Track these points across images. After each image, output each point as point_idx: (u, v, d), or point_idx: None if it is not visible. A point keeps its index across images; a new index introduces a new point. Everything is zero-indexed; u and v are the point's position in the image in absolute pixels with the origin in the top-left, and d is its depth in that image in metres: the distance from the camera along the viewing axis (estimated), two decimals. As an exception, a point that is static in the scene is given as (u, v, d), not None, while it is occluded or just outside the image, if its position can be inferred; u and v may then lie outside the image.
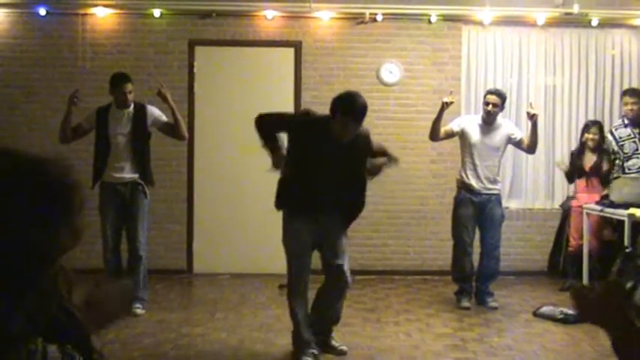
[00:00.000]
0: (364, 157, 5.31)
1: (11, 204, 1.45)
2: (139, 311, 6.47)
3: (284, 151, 5.23)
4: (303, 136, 5.16)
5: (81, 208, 1.58)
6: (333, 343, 5.49)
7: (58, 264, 1.59)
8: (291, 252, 5.29)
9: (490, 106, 6.92)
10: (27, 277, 1.47)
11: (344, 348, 5.47)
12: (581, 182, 7.69)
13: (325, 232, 5.27)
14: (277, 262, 8.32)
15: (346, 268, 5.31)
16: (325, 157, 5.10)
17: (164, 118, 6.64)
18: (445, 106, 6.92)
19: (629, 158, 7.63)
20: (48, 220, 1.48)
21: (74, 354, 1.63)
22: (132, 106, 6.51)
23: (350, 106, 5.07)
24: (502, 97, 7.03)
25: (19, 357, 1.49)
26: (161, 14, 8.24)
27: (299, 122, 5.32)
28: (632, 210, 6.77)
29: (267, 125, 5.25)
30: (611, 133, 7.77)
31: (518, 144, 7.15)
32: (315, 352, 5.28)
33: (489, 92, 7.08)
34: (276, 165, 5.25)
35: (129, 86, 6.46)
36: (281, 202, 5.29)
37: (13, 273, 1.44)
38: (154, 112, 6.62)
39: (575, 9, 8.11)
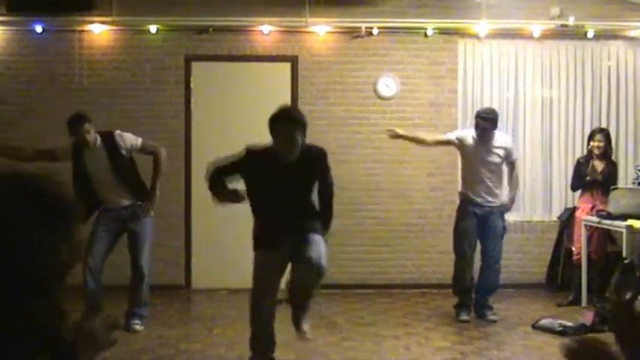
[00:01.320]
0: (317, 170, 5.16)
1: (10, 221, 1.45)
2: (138, 327, 6.45)
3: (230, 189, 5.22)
4: (254, 168, 5.10)
5: (78, 221, 1.57)
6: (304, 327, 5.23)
7: (63, 283, 1.58)
8: (256, 282, 5.18)
9: (479, 130, 6.90)
10: (34, 294, 1.47)
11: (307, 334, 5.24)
12: (585, 192, 7.66)
13: (295, 250, 5.09)
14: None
15: (316, 257, 5.01)
16: (280, 181, 5.01)
17: (139, 142, 6.45)
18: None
19: None
20: (47, 236, 1.48)
21: None
22: (98, 139, 6.31)
23: (279, 114, 5.04)
24: (493, 120, 6.92)
25: None
26: (157, 30, 8.26)
27: (245, 158, 5.19)
28: (630, 221, 6.77)
29: (216, 176, 5.25)
30: None
31: (508, 164, 7.13)
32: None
33: (480, 117, 6.92)
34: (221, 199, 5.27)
35: (85, 127, 6.20)
36: (255, 242, 5.23)
37: (21, 291, 1.44)
38: (126, 139, 6.40)
39: (571, 21, 8.15)
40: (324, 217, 5.26)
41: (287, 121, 5.00)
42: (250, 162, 5.14)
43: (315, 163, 5.13)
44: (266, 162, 5.07)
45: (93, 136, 6.28)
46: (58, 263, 1.52)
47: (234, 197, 5.20)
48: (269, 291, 5.18)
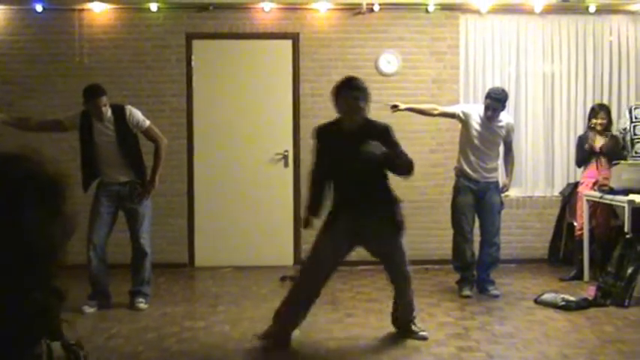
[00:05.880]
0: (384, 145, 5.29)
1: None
2: (143, 305, 6.50)
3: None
4: (324, 143, 5.40)
5: (66, 196, 1.54)
6: (414, 328, 5.64)
7: (57, 260, 1.57)
8: (318, 252, 5.40)
9: (490, 110, 6.87)
10: (28, 271, 1.47)
11: (424, 334, 5.61)
12: (591, 164, 7.63)
13: (370, 235, 5.43)
14: (278, 254, 8.36)
15: (405, 267, 5.53)
16: (345, 149, 5.23)
17: (146, 124, 6.49)
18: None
19: (638, 141, 7.63)
20: (36, 212, 1.46)
21: (79, 351, 1.62)
22: (109, 112, 6.36)
23: (346, 82, 5.39)
24: (504, 100, 6.90)
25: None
26: (158, 8, 8.22)
27: (317, 137, 5.45)
28: (632, 196, 6.78)
29: (315, 179, 5.49)
30: (630, 111, 7.77)
31: (506, 143, 7.12)
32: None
33: (491, 98, 6.87)
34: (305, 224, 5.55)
35: (103, 100, 6.28)
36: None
37: (16, 273, 1.44)
38: (135, 115, 6.45)
39: (573, -4, 8.10)
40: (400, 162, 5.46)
41: (350, 88, 5.33)
42: (322, 138, 5.42)
43: (380, 139, 5.27)
44: (332, 133, 5.36)
45: (106, 111, 6.34)
46: (50, 240, 1.50)
47: (307, 222, 5.52)
48: (326, 268, 5.44)
